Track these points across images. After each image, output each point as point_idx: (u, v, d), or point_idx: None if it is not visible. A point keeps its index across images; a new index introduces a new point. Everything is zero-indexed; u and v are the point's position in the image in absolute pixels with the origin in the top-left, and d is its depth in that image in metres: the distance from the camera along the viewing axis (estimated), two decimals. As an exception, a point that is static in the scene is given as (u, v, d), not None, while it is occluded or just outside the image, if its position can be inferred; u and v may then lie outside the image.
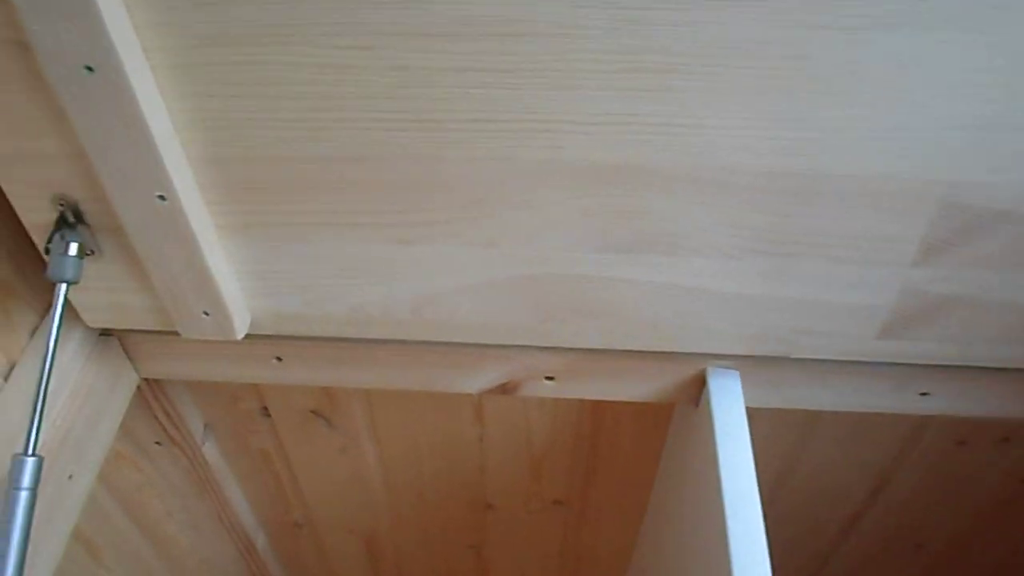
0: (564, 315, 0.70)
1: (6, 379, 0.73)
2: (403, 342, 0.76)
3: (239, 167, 0.61)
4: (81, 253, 0.65)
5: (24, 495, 0.61)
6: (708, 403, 0.75)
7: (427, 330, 0.73)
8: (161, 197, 0.60)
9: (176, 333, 0.77)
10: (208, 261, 0.65)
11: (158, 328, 0.74)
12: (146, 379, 0.85)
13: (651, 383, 0.79)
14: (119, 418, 0.81)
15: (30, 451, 0.62)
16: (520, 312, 0.70)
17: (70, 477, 0.73)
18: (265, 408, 0.98)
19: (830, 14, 0.50)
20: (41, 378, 0.63)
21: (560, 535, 1.19)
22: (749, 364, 0.76)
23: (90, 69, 0.52)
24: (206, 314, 0.69)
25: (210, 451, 1.04)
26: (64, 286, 0.65)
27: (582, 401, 0.93)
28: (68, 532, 0.73)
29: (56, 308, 0.64)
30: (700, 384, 0.79)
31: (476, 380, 0.80)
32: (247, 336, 0.76)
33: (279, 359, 0.80)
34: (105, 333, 0.79)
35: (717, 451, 0.70)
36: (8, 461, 0.67)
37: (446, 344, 0.76)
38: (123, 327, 0.75)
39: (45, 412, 0.71)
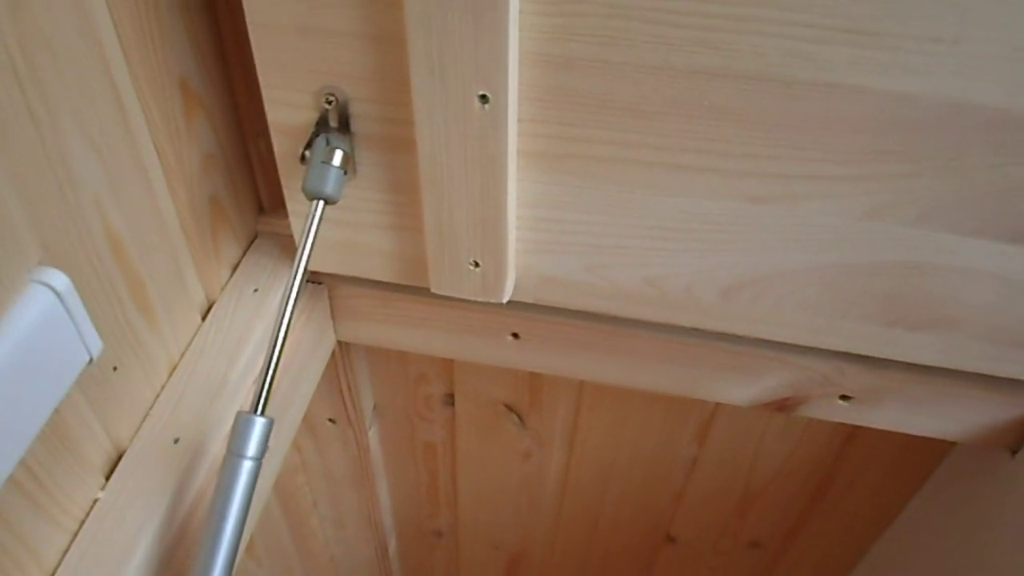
0: (921, 319, 0.55)
1: (204, 318, 0.60)
2: (677, 331, 0.62)
3: (587, 70, 0.46)
4: (344, 166, 0.52)
5: (248, 466, 0.47)
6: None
7: (730, 321, 0.58)
8: (483, 97, 0.46)
9: (404, 289, 0.63)
10: (506, 194, 0.51)
11: (398, 280, 0.60)
12: (339, 342, 0.71)
13: (969, 418, 0.64)
14: (316, 382, 0.67)
15: (259, 410, 0.48)
16: (868, 308, 0.55)
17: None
18: (451, 395, 0.84)
19: None
20: (278, 324, 0.48)
21: (739, 583, 1.03)
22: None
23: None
24: (475, 265, 0.55)
25: (372, 437, 0.90)
26: (321, 205, 0.51)
27: (835, 431, 0.78)
28: (260, 512, 0.60)
29: (308, 232, 0.50)
30: (1030, 427, 0.63)
31: (750, 389, 0.65)
32: (483, 304, 0.62)
33: (515, 336, 0.65)
34: (313, 280, 0.65)
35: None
36: (211, 412, 0.54)
37: (737, 339, 0.61)
38: (352, 273, 0.61)
39: (251, 365, 0.58)
